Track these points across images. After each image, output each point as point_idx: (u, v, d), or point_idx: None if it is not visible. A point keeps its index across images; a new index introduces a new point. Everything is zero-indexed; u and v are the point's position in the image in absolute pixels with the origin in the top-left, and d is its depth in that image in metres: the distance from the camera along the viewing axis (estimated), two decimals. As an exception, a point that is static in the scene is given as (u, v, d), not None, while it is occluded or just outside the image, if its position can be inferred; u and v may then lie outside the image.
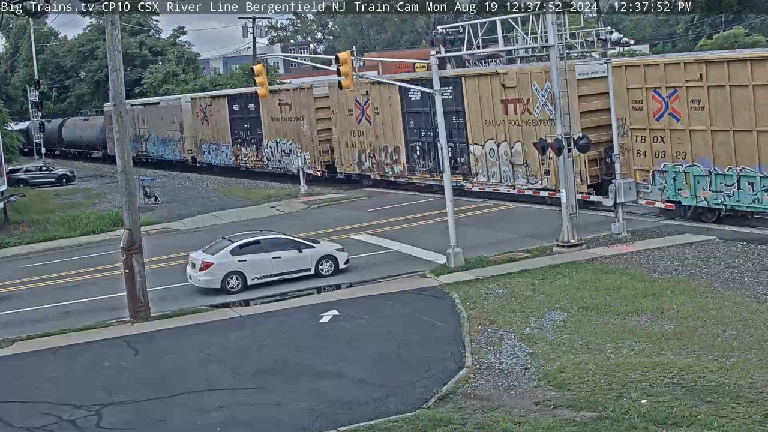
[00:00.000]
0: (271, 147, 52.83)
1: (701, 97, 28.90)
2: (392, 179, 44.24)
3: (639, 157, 31.24)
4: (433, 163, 40.64)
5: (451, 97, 38.20)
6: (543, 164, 35.00)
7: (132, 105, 64.07)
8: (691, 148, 29.59)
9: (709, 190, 29.40)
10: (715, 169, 29.01)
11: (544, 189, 35.48)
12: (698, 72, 28.87)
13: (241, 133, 55.80)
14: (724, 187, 28.90)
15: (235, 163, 56.89)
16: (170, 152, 65.55)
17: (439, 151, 29.09)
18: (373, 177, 45.32)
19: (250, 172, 57.16)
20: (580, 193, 32.61)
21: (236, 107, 56.19)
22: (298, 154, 48.06)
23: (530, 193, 36.14)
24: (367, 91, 43.47)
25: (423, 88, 34.13)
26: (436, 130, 36.20)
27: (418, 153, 42.04)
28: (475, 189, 38.85)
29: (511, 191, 36.99)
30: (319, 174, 48.80)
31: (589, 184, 33.80)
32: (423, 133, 41.29)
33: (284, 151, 51.43)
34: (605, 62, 30.77)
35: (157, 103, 67.41)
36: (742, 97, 27.83)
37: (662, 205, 31.37)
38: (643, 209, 32.68)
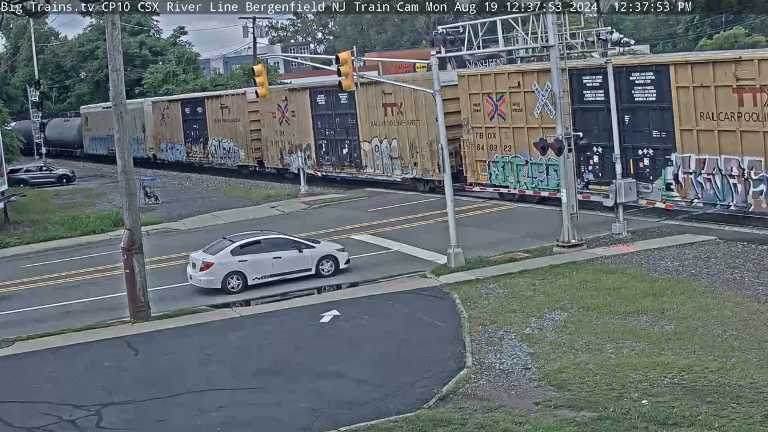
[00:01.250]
0: (215, 145, 60.02)
1: (520, 101, 35.33)
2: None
3: (479, 150, 38.16)
4: (335, 158, 48.18)
5: (347, 102, 45.59)
6: (413, 157, 42.40)
7: (104, 108, 70.28)
8: (514, 143, 36.28)
9: (528, 177, 35.90)
10: (531, 159, 35.14)
11: (414, 179, 42.83)
12: (517, 80, 35.24)
13: (192, 133, 63.04)
14: (538, 174, 35.37)
15: (187, 160, 63.59)
16: (135, 150, 68.97)
17: (439, 151, 29.03)
18: (291, 170, 51.01)
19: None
20: (438, 180, 38.82)
21: (188, 110, 63.31)
22: (238, 152, 57.00)
23: (399, 179, 43.80)
24: (286, 97, 51.08)
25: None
26: (338, 130, 47.32)
27: (324, 149, 48.89)
28: (363, 177, 46.61)
29: (389, 179, 44.73)
30: (251, 168, 56.38)
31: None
32: (328, 132, 48.29)
33: (225, 148, 58.97)
34: (606, 62, 30.75)
35: None
36: (535, 101, 32.59)
37: (662, 205, 31.41)
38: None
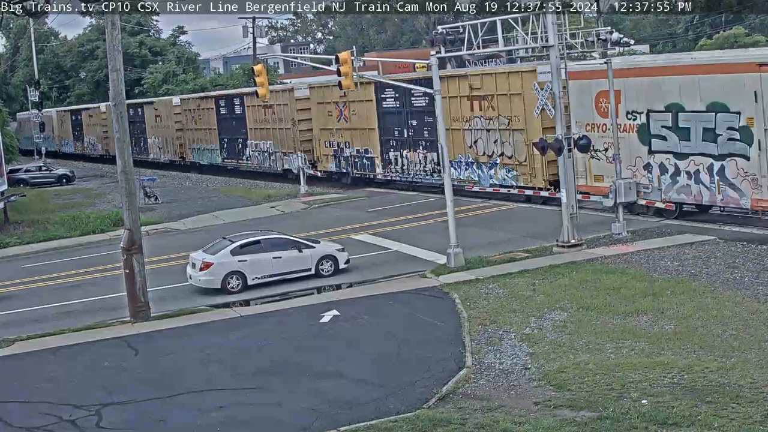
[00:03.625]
0: (87, 141, 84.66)
1: (200, 115, 61.88)
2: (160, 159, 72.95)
3: (190, 142, 63.73)
4: (137, 149, 69.85)
5: (141, 114, 70.66)
6: (168, 147, 67.85)
7: (27, 115, 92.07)
8: (200, 138, 62.34)
9: (208, 156, 62.00)
10: (207, 146, 60.96)
11: (171, 161, 67.95)
12: (198, 103, 62.65)
13: (75, 133, 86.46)
14: (211, 154, 61.27)
15: (74, 151, 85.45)
16: (49, 145, 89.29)
17: (440, 150, 29.04)
18: (151, 160, 72.44)
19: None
20: (179, 159, 67.31)
21: (74, 117, 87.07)
22: (98, 145, 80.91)
23: (164, 161, 69.33)
24: (144, 110, 74.76)
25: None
26: (138, 132, 70.70)
27: (133, 143, 74.48)
28: (150, 159, 70.47)
29: (161, 161, 69.56)
30: (105, 156, 75.84)
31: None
32: (134, 133, 67.89)
33: (91, 143, 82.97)
34: (605, 62, 30.73)
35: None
36: (207, 115, 61.92)
37: (662, 205, 31.47)
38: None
